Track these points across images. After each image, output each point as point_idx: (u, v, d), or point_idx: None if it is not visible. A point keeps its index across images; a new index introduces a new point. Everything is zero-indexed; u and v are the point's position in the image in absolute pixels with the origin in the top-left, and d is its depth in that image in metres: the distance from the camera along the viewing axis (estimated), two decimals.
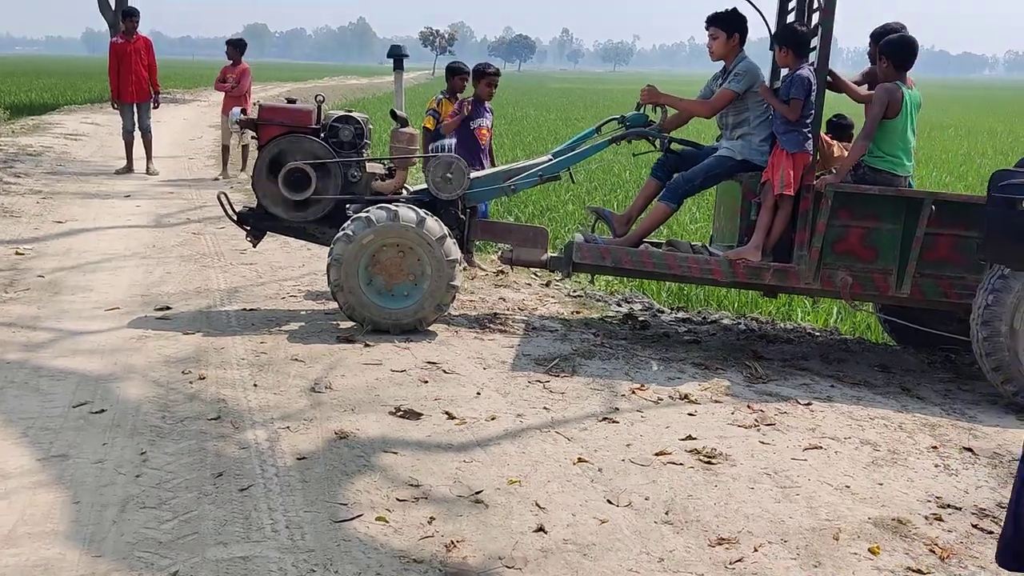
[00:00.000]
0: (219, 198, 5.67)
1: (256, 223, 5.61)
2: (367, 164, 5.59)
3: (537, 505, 3.29)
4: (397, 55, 5.90)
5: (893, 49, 5.01)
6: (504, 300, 6.25)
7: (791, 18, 5.75)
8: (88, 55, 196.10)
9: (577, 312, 6.08)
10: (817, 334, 6.10)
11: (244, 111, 5.68)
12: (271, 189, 5.40)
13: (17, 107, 21.44)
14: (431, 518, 3.16)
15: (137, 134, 11.37)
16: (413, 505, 3.25)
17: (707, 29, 5.37)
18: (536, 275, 7.04)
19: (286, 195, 5.35)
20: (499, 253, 7.07)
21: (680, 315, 6.33)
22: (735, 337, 5.81)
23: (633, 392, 4.52)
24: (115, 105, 11.48)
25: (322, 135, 5.49)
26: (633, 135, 5.62)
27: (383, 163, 5.83)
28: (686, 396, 4.50)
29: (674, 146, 5.66)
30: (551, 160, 5.71)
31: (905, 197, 4.96)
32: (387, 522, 3.12)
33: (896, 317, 5.58)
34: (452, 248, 5.17)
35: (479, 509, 3.25)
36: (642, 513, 3.29)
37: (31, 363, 4.53)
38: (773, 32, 5.45)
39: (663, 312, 6.36)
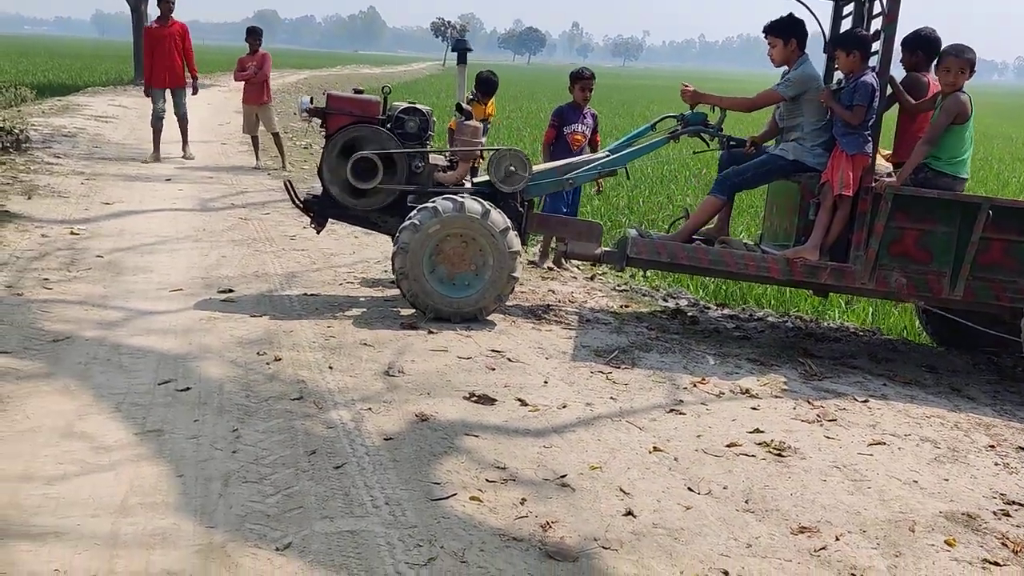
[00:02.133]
0: (285, 185, 5.79)
1: (321, 210, 5.69)
2: (430, 155, 5.70)
3: (621, 490, 3.41)
4: (462, 49, 6.00)
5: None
6: (554, 292, 6.36)
7: (847, 23, 5.84)
8: (98, 37, 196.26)
9: (626, 306, 6.19)
10: (861, 333, 6.21)
11: (312, 100, 5.71)
12: (340, 177, 5.49)
13: (39, 87, 21.54)
14: (523, 499, 3.28)
15: (172, 119, 11.22)
16: (503, 487, 3.37)
17: (765, 38, 5.48)
18: (579, 268, 7.15)
19: (354, 183, 5.44)
20: (537, 246, 7.24)
21: (726, 311, 6.43)
22: (783, 334, 5.92)
23: (695, 385, 4.63)
24: (148, 92, 11.16)
25: (387, 126, 5.58)
26: (688, 132, 5.72)
27: (444, 155, 5.95)
28: (747, 391, 4.61)
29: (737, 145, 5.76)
30: (608, 156, 5.82)
31: (962, 201, 5.07)
32: (481, 502, 3.24)
33: (942, 319, 5.68)
34: (514, 240, 5.28)
35: (567, 492, 3.36)
36: (723, 501, 3.41)
37: (109, 341, 4.65)
38: (835, 36, 5.51)
39: (709, 308, 6.47)
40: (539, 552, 2.95)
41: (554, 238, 6.83)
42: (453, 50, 5.91)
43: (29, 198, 8.23)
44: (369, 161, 5.42)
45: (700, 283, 7.08)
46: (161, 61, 10.96)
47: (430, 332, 5.15)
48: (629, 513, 3.24)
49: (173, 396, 4.01)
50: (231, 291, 5.71)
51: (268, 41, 11.51)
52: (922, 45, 5.48)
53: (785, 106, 5.51)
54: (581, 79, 7.03)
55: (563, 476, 3.49)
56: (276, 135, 11.43)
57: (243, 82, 11.21)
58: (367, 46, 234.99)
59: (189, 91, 11.33)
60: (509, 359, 4.79)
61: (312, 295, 5.79)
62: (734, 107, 5.70)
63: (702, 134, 5.74)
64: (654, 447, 3.82)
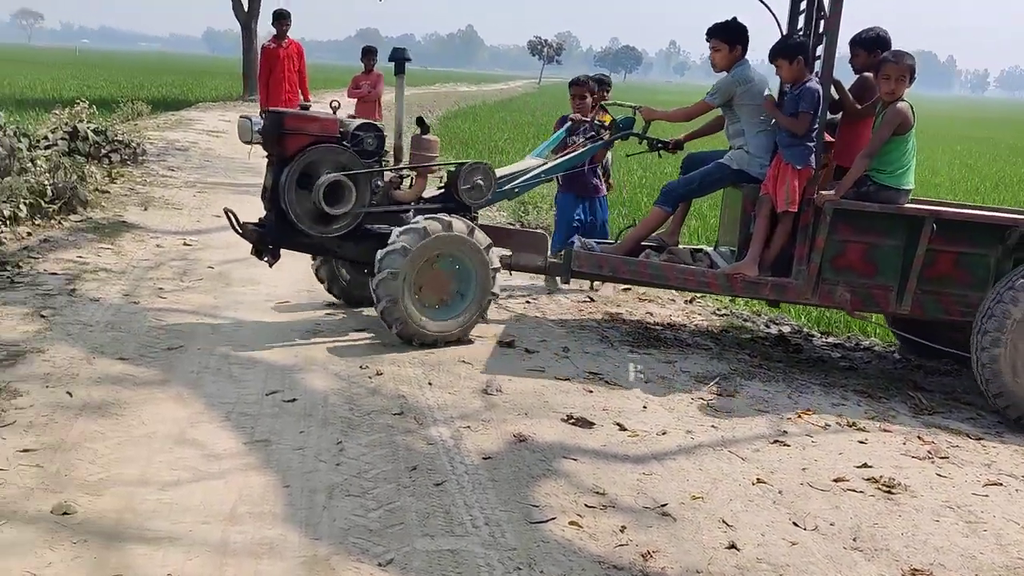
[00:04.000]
0: (226, 213, 5.25)
1: (277, 240, 5.22)
2: (384, 173, 5.43)
3: (724, 522, 3.34)
4: (399, 58, 5.51)
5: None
6: (651, 315, 6.30)
7: (801, 24, 5.65)
8: (209, 53, 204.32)
9: (726, 331, 6.08)
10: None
11: (264, 117, 5.30)
12: (305, 203, 5.05)
13: (153, 102, 22.51)
14: (622, 527, 3.24)
15: None
16: (602, 513, 3.34)
17: (708, 41, 5.36)
18: (676, 292, 7.05)
19: (325, 210, 5.01)
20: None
21: (831, 340, 6.26)
22: (891, 365, 5.72)
23: (799, 416, 4.51)
24: (263, 114, 11.30)
25: (344, 143, 5.21)
26: (619, 137, 5.93)
27: (400, 172, 5.60)
28: (854, 423, 4.47)
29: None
30: (545, 164, 5.81)
31: (906, 215, 4.91)
32: (580, 527, 3.21)
33: (905, 328, 5.65)
34: (494, 258, 5.18)
35: (667, 522, 3.31)
36: (830, 538, 3.30)
37: (219, 351, 4.80)
38: (775, 45, 5.24)
39: (813, 336, 6.30)
40: None
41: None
42: (390, 59, 5.54)
43: (145, 209, 8.59)
44: (340, 184, 5.05)
45: (803, 310, 6.90)
46: (277, 82, 10.82)
47: (527, 351, 5.16)
48: (732, 546, 3.17)
49: (280, 407, 4.11)
50: (334, 304, 5.82)
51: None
52: (870, 45, 5.28)
53: (724, 113, 5.45)
54: (573, 86, 6.83)
55: (664, 505, 3.43)
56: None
57: (356, 100, 11.29)
58: (465, 64, 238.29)
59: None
60: (607, 382, 4.76)
61: None
62: (676, 119, 5.76)
63: (633, 136, 5.90)
64: (758, 479, 3.73)
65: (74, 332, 4.91)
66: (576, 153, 5.87)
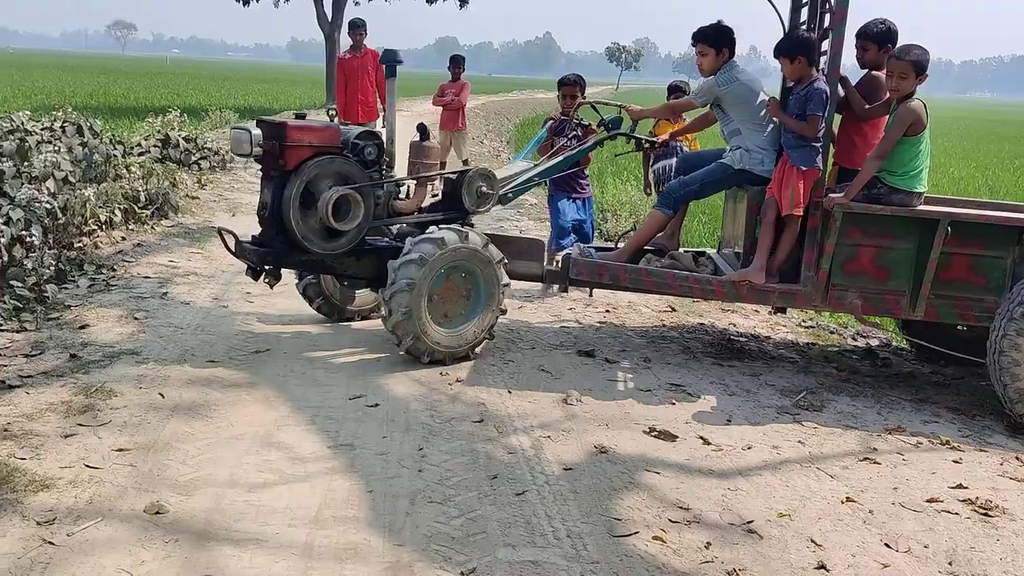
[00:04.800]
0: (220, 233, 4.99)
1: (277, 260, 4.88)
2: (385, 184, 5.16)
3: (813, 541, 3.25)
4: (390, 61, 5.24)
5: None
6: (735, 326, 6.19)
7: (805, 17, 5.41)
8: (293, 62, 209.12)
9: (812, 344, 5.94)
10: None
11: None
12: (311, 219, 4.78)
13: (240, 110, 23.11)
14: (707, 543, 3.18)
15: None
16: (687, 528, 3.28)
17: (694, 46, 5.20)
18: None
19: (334, 225, 4.74)
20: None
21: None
22: (985, 382, 5.49)
23: (889, 433, 4.37)
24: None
25: (345, 153, 4.95)
26: (609, 137, 5.75)
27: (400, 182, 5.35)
28: (947, 442, 4.30)
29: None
30: (535, 167, 5.63)
31: (919, 217, 4.69)
32: (664, 542, 3.16)
33: (917, 334, 5.50)
34: (503, 272, 4.99)
35: (754, 540, 3.23)
36: (923, 561, 3.18)
37: (304, 355, 4.89)
38: (778, 42, 5.03)
39: (903, 350, 6.10)
40: None
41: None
42: (380, 61, 5.31)
43: (233, 215, 8.81)
44: (346, 198, 4.78)
45: (892, 322, 6.70)
46: (355, 94, 10.57)
47: (607, 361, 5.12)
48: (822, 567, 3.08)
49: (363, 411, 4.16)
50: None
51: (445, 66, 11.70)
52: (880, 39, 5.03)
53: (716, 114, 5.30)
54: (564, 85, 6.65)
55: (750, 522, 3.36)
56: (465, 162, 11.70)
57: (441, 107, 11.29)
58: (542, 71, 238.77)
59: (380, 123, 10.93)
60: (689, 394, 4.69)
61: None
62: (661, 115, 5.72)
63: (621, 136, 5.76)
64: (847, 497, 3.62)
65: (166, 335, 5.05)
66: (569, 153, 5.72)
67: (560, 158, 5.70)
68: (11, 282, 5.35)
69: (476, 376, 4.74)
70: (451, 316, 4.89)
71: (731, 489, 3.62)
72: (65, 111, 8.87)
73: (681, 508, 3.43)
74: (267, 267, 4.90)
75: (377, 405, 4.23)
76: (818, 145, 4.78)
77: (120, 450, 3.58)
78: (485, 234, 5.01)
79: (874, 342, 6.19)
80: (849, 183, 4.88)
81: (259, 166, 4.91)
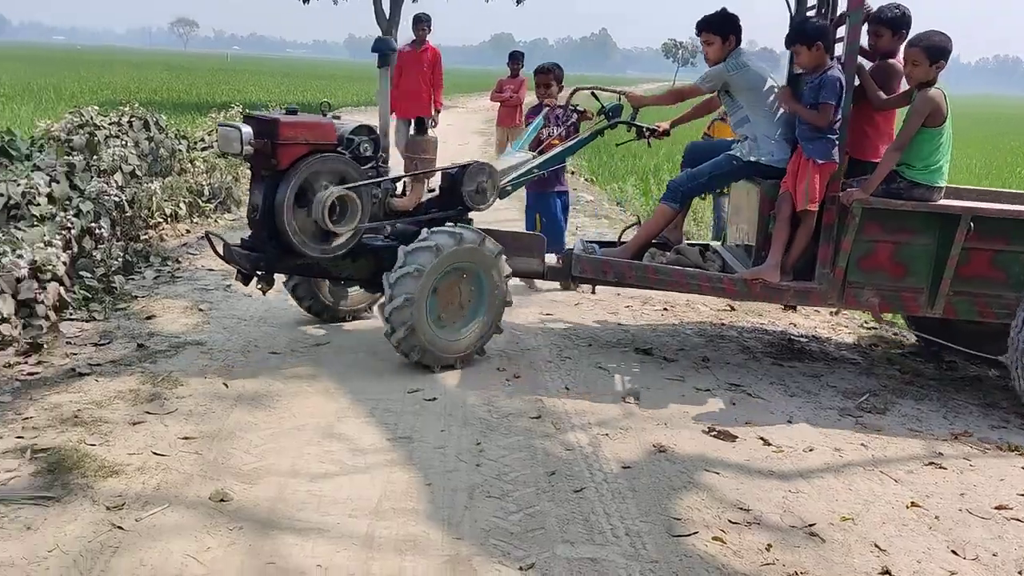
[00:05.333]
0: (207, 237, 4.77)
1: (270, 264, 4.62)
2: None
3: (876, 546, 3.19)
4: (382, 50, 4.92)
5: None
6: (795, 326, 6.10)
7: (813, 2, 5.22)
8: (350, 59, 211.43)
9: (875, 345, 5.82)
10: None
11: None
12: (306, 221, 4.51)
13: (300, 106, 23.40)
14: (768, 545, 3.14)
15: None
16: (747, 530, 3.24)
17: (699, 36, 5.03)
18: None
19: (330, 228, 4.48)
20: None
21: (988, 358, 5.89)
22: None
23: (955, 438, 4.27)
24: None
25: (338, 150, 4.67)
26: (611, 125, 5.53)
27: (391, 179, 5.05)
28: (1016, 448, 4.19)
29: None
30: (535, 158, 5.42)
31: (939, 213, 4.52)
32: (724, 543, 3.13)
33: (924, 329, 5.41)
34: (506, 265, 4.81)
35: (815, 543, 3.19)
36: (992, 569, 3.10)
37: (364, 347, 4.94)
38: (792, 29, 4.83)
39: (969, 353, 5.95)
40: None
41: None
42: (372, 50, 4.96)
43: None
44: (343, 198, 4.51)
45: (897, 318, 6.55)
46: (407, 88, 10.15)
47: (665, 359, 5.08)
48: (886, 572, 3.02)
49: (421, 405, 4.19)
50: None
51: (501, 62, 11.67)
52: (895, 24, 4.81)
53: (724, 102, 5.13)
54: (538, 74, 6.45)
55: (811, 525, 3.31)
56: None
57: (499, 104, 11.22)
58: (597, 68, 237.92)
59: (430, 122, 10.32)
60: (749, 394, 4.63)
61: (547, 315, 5.88)
62: (663, 102, 5.49)
63: (622, 124, 5.57)
64: (912, 502, 3.55)
65: (229, 326, 5.14)
66: (570, 144, 5.54)
67: (561, 148, 5.51)
68: (81, 273, 5.50)
69: (533, 372, 4.74)
70: (447, 318, 4.65)
71: (792, 491, 3.57)
72: (132, 106, 9.07)
73: (741, 509, 3.39)
74: (259, 273, 4.65)
75: (435, 399, 4.26)
76: (834, 137, 4.60)
77: (186, 438, 3.66)
78: (482, 229, 4.80)
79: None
80: (862, 176, 4.72)
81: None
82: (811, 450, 3.99)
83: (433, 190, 5.21)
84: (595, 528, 3.17)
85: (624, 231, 5.74)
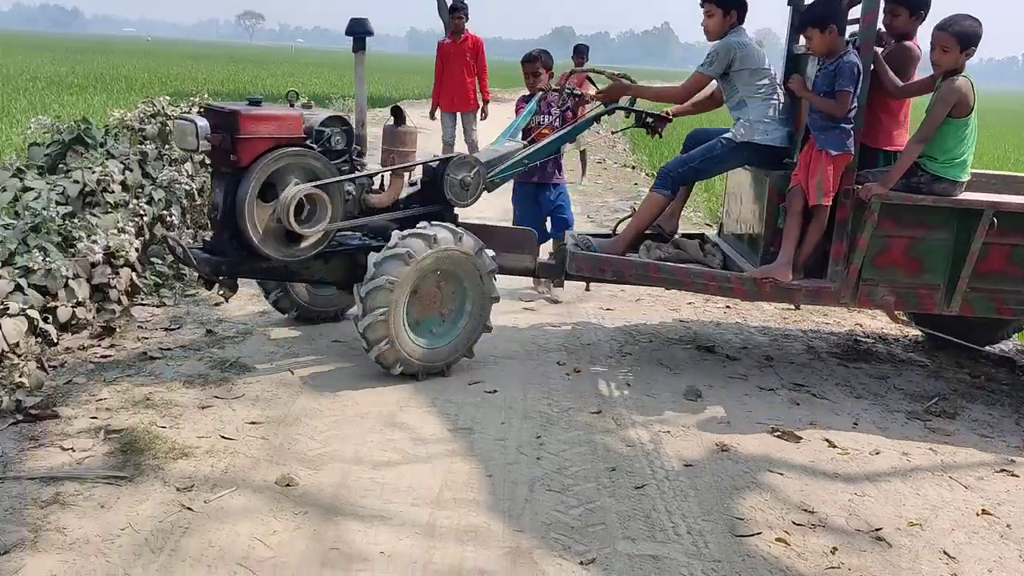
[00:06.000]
0: (165, 239, 4.45)
1: (233, 268, 4.28)
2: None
3: (945, 553, 3.11)
4: (359, 32, 4.55)
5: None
6: (860, 326, 5.98)
7: None
8: (410, 53, 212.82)
9: (943, 347, 5.68)
10: None
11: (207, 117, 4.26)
12: (271, 222, 4.18)
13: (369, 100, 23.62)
14: (833, 548, 3.09)
15: (462, 146, 9.57)
16: (811, 532, 3.20)
17: (702, 6, 4.74)
18: None
19: (295, 229, 4.15)
20: None
21: None
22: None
23: None
24: (434, 115, 9.95)
25: (307, 143, 4.33)
26: (608, 112, 5.23)
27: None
28: None
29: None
30: (527, 146, 5.08)
31: (962, 207, 4.32)
32: (788, 545, 3.09)
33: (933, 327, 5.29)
34: (494, 285, 4.53)
35: (882, 548, 3.13)
36: None
37: None
38: (804, 11, 4.56)
39: None
40: None
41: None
42: (347, 33, 4.60)
43: None
44: (311, 197, 4.21)
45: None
46: (451, 81, 9.71)
47: (728, 357, 5.03)
48: None
49: (482, 397, 4.21)
50: (532, 300, 5.90)
51: (563, 56, 11.63)
52: (908, 3, 4.50)
53: (721, 86, 4.86)
54: (525, 63, 5.99)
55: (878, 529, 3.24)
56: (583, 152, 11.73)
57: None
58: (658, 62, 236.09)
59: (479, 115, 9.93)
60: (814, 395, 4.56)
61: (607, 310, 5.86)
62: (667, 98, 5.08)
63: (620, 110, 5.27)
64: (983, 509, 3.46)
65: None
66: (563, 132, 5.21)
67: (553, 137, 5.17)
68: (152, 259, 5.63)
69: (593, 368, 4.73)
70: (424, 325, 4.42)
71: (858, 494, 3.51)
72: (201, 97, 9.24)
73: (806, 511, 3.34)
74: (220, 277, 4.32)
75: (495, 392, 4.27)
76: (849, 127, 4.31)
77: (253, 423, 3.73)
78: (471, 225, 4.61)
79: (1008, 347, 5.88)
80: (875, 168, 4.52)
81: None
82: (877, 453, 3.91)
83: (415, 183, 4.92)
84: (656, 525, 3.16)
85: (619, 223, 5.47)
